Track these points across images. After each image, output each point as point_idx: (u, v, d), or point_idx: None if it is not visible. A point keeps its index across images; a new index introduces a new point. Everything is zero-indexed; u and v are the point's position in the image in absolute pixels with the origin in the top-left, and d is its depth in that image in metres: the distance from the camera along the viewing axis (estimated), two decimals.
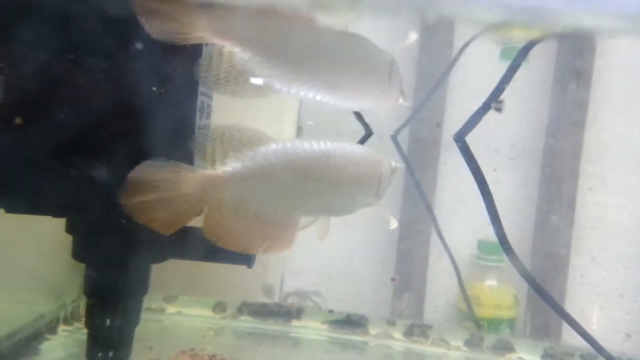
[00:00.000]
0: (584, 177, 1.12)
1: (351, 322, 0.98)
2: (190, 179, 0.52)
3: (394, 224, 0.65)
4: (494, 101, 0.74)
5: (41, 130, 0.56)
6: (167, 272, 0.72)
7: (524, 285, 0.89)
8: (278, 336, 0.95)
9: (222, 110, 0.76)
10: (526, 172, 1.16)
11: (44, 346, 0.80)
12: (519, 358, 0.94)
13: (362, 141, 0.95)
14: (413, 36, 0.65)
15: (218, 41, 0.53)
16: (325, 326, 0.98)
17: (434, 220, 1.10)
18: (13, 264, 0.75)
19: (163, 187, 0.52)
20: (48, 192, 0.57)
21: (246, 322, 0.98)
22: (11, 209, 0.58)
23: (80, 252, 0.62)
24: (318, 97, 0.57)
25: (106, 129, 0.56)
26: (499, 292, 1.11)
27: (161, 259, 0.64)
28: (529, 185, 1.15)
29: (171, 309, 0.98)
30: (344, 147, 0.59)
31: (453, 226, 1.15)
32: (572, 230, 1.12)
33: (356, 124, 0.97)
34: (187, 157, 0.58)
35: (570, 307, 1.11)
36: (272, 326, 0.97)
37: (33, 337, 0.80)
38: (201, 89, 0.60)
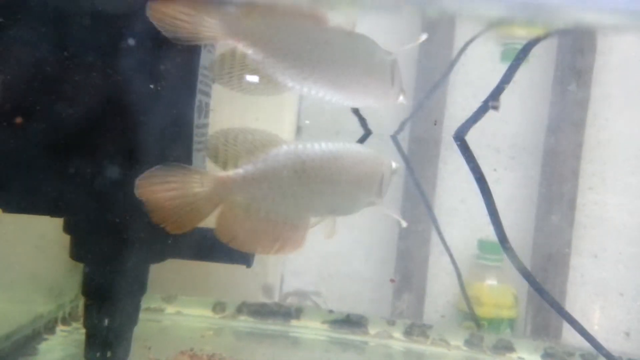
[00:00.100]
0: (584, 177, 1.12)
1: (351, 321, 0.98)
2: (202, 180, 0.54)
3: (404, 223, 0.66)
4: (489, 100, 0.74)
5: (38, 130, 0.56)
6: (166, 272, 0.72)
7: (525, 285, 0.89)
8: (277, 336, 0.95)
9: (222, 110, 0.76)
10: (526, 171, 1.16)
11: (42, 346, 0.80)
12: (519, 358, 0.94)
13: (361, 141, 0.95)
14: (423, 36, 0.66)
15: (231, 41, 0.54)
16: (325, 326, 0.97)
17: (434, 219, 1.10)
18: (11, 264, 0.75)
19: (176, 187, 0.53)
20: (45, 192, 0.57)
21: (245, 322, 0.98)
22: (9, 208, 0.58)
23: (78, 252, 0.62)
24: (327, 96, 0.58)
25: (104, 128, 0.56)
26: (499, 292, 1.10)
27: (160, 258, 0.64)
28: (529, 185, 1.15)
29: (170, 309, 0.98)
30: (348, 147, 0.61)
31: (453, 226, 1.15)
32: (573, 229, 1.12)
33: (355, 124, 0.97)
34: (186, 156, 0.58)
35: (570, 307, 1.11)
36: (271, 326, 0.97)
37: (31, 337, 0.80)
38: (199, 87, 0.60)
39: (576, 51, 1.12)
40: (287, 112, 1.07)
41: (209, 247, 0.64)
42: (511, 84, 0.78)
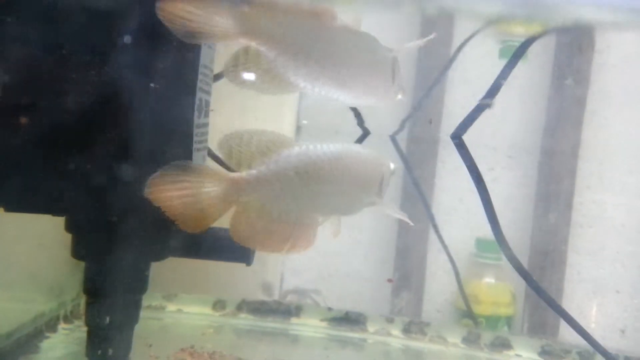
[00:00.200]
0: (581, 175, 1.13)
1: (350, 319, 0.98)
2: (215, 180, 0.54)
3: (410, 222, 0.67)
4: (487, 98, 0.75)
5: (38, 128, 0.56)
6: (167, 270, 0.72)
7: (522, 283, 0.89)
8: (277, 333, 0.95)
9: (222, 110, 0.76)
10: (524, 170, 1.16)
11: (44, 344, 0.80)
12: (517, 355, 0.94)
13: (360, 140, 0.96)
14: (432, 35, 0.67)
15: (244, 41, 0.54)
16: (324, 323, 0.98)
17: (432, 218, 1.10)
18: (13, 262, 0.75)
19: (189, 186, 0.54)
20: (46, 190, 0.57)
21: (246, 320, 0.98)
22: (10, 207, 0.58)
23: (79, 251, 0.62)
24: (335, 95, 0.59)
25: (103, 127, 0.57)
26: (497, 290, 1.11)
27: (160, 257, 0.64)
28: (527, 183, 1.16)
29: (171, 307, 0.99)
30: (350, 148, 0.62)
31: (452, 225, 1.16)
32: (570, 228, 1.12)
33: (354, 124, 0.98)
34: (186, 156, 0.58)
35: (567, 305, 1.11)
36: (271, 324, 0.98)
37: (33, 335, 0.80)
38: (200, 85, 0.60)
39: (574, 49, 1.12)
40: (287, 112, 1.07)
41: (209, 245, 0.64)
42: (509, 82, 0.78)
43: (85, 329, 0.64)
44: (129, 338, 0.65)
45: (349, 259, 1.18)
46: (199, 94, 0.60)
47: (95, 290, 0.63)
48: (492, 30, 1.05)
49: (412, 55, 1.15)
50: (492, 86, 0.77)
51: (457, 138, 0.75)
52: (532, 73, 1.15)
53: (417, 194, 1.11)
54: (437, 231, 1.08)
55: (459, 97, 1.15)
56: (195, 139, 0.60)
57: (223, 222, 0.57)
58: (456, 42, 1.08)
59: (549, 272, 1.11)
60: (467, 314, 1.09)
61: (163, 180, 0.53)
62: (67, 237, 0.63)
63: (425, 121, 1.15)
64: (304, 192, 0.57)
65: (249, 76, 0.55)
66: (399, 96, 0.66)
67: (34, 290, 0.84)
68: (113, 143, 0.57)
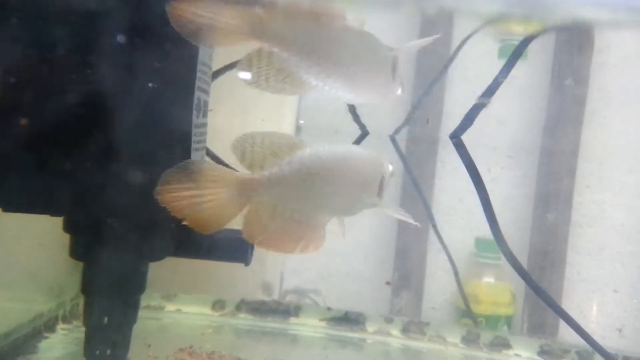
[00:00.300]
0: (581, 175, 1.12)
1: (349, 319, 0.98)
2: (228, 181, 0.55)
3: (416, 224, 0.68)
4: (486, 97, 0.75)
5: (35, 128, 0.56)
6: (166, 270, 0.72)
7: (522, 283, 0.89)
8: (276, 333, 0.95)
9: (222, 110, 0.76)
10: (524, 170, 1.16)
11: (43, 344, 0.80)
12: (516, 355, 0.94)
13: (359, 140, 0.96)
14: (437, 34, 0.68)
15: (256, 42, 0.55)
16: (323, 323, 0.98)
17: (431, 218, 1.10)
18: (12, 262, 0.75)
19: (200, 186, 0.54)
20: (43, 191, 0.57)
21: (245, 320, 0.98)
22: (8, 207, 0.58)
23: (77, 251, 0.62)
24: (343, 94, 0.60)
25: (101, 127, 0.57)
26: (496, 290, 1.11)
27: (159, 257, 0.64)
28: (526, 183, 1.16)
29: (170, 307, 0.99)
30: (352, 149, 0.64)
31: (451, 224, 1.16)
32: (570, 227, 1.12)
33: (354, 123, 0.98)
34: (184, 155, 0.58)
35: (567, 304, 1.11)
36: (270, 323, 0.98)
37: (32, 336, 0.80)
38: (198, 84, 0.60)
39: (574, 49, 1.12)
40: (287, 112, 1.07)
41: (207, 245, 0.64)
42: (509, 82, 0.78)
43: (84, 329, 0.64)
44: (128, 338, 0.65)
45: (349, 259, 1.18)
46: (198, 93, 0.60)
47: (93, 291, 0.63)
48: (491, 30, 1.05)
49: (412, 55, 1.15)
50: (490, 86, 0.77)
51: (456, 137, 0.75)
52: (531, 73, 1.15)
53: (417, 194, 1.11)
54: (436, 231, 1.08)
55: (458, 97, 1.15)
56: (193, 138, 0.60)
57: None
58: (455, 42, 1.08)
59: (549, 272, 1.11)
60: (467, 314, 1.09)
61: (173, 181, 0.53)
62: (67, 238, 0.63)
63: (424, 121, 1.15)
64: (314, 193, 0.58)
65: (245, 75, 0.55)
66: (399, 91, 0.66)
67: (33, 290, 0.84)
68: (111, 143, 0.57)
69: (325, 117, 1.07)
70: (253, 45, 0.55)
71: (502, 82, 0.77)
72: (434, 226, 1.08)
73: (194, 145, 0.60)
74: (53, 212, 0.60)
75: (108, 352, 0.63)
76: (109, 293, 0.62)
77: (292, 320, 0.99)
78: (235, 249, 0.64)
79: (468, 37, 1.04)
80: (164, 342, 0.84)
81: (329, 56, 0.57)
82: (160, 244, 0.63)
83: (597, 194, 1.13)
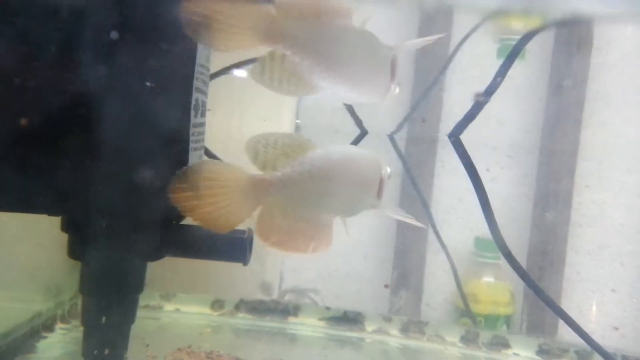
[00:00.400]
0: (580, 175, 1.13)
1: (348, 318, 0.98)
2: (240, 181, 0.55)
3: (421, 225, 0.68)
4: (485, 95, 0.75)
5: (32, 127, 0.56)
6: (165, 270, 0.72)
7: (521, 282, 0.89)
8: (275, 333, 0.95)
9: (222, 110, 0.76)
10: (523, 169, 1.16)
11: (41, 344, 0.80)
12: (514, 354, 0.94)
13: (358, 140, 0.96)
14: (441, 34, 0.68)
15: (269, 45, 0.55)
16: (322, 323, 0.98)
17: (430, 217, 1.10)
18: (11, 262, 0.75)
19: (213, 185, 0.54)
20: (41, 190, 0.57)
21: (244, 319, 0.98)
22: (6, 207, 0.58)
23: (75, 250, 0.62)
24: (348, 95, 0.60)
25: (98, 126, 0.56)
26: (495, 289, 1.11)
27: (157, 256, 0.64)
28: (526, 183, 1.16)
29: (169, 307, 0.99)
30: (353, 149, 0.64)
31: (451, 224, 1.16)
32: (569, 227, 1.12)
33: (353, 123, 0.98)
34: (182, 156, 0.58)
35: (567, 304, 1.11)
36: (269, 323, 0.98)
37: (30, 335, 0.80)
38: (196, 85, 0.60)
39: (573, 48, 1.12)
40: (286, 111, 1.07)
41: (206, 245, 0.64)
42: (508, 82, 0.78)
43: (82, 329, 0.64)
44: (126, 338, 0.65)
45: (348, 259, 1.18)
46: (195, 94, 0.60)
47: (91, 290, 0.63)
48: (490, 27, 1.05)
49: (410, 55, 1.15)
50: (489, 85, 0.77)
51: (454, 137, 0.75)
52: (530, 72, 1.15)
53: (416, 193, 1.11)
54: (435, 231, 1.08)
55: (457, 97, 1.15)
56: (191, 138, 0.60)
57: None
58: (455, 41, 1.08)
59: (548, 272, 1.11)
60: (466, 313, 1.09)
61: (185, 181, 0.54)
62: (65, 237, 0.63)
63: (421, 120, 1.15)
64: (324, 193, 0.59)
65: (240, 72, 0.55)
66: (397, 90, 0.67)
67: (32, 290, 0.84)
68: (108, 142, 0.57)
69: (324, 116, 1.07)
70: (264, 49, 0.55)
71: (500, 80, 0.77)
72: (434, 226, 1.08)
73: (191, 145, 0.60)
74: (50, 212, 0.60)
75: (106, 351, 0.62)
76: (107, 292, 0.62)
77: (291, 319, 0.99)
78: (233, 248, 0.64)
79: (467, 35, 1.04)
80: (162, 341, 0.84)
81: (334, 56, 0.58)
82: (158, 243, 0.63)
83: (597, 193, 1.13)
